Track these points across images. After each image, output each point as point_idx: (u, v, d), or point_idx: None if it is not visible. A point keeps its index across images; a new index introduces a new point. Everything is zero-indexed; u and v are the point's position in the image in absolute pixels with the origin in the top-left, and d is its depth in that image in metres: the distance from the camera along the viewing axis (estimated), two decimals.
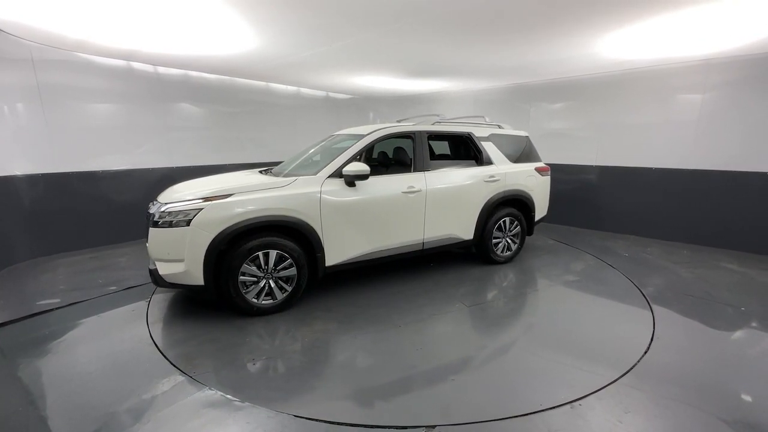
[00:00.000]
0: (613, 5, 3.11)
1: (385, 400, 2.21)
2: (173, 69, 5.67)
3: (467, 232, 4.21)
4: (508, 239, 4.52)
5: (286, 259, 3.18)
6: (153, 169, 5.65)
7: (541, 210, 4.80)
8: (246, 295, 3.10)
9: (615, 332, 2.98)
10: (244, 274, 3.06)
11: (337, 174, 3.39)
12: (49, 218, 4.73)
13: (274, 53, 4.69)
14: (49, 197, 4.69)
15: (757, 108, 4.74)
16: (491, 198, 4.25)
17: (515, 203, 4.53)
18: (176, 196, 3.15)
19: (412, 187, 3.73)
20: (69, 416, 2.05)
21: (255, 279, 3.12)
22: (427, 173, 3.91)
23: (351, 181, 3.38)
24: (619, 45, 4.26)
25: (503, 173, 4.35)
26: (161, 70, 5.57)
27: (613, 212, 6.06)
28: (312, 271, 3.36)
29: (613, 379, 2.35)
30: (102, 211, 5.18)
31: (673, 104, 5.35)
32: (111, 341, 2.81)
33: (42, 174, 4.62)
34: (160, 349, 2.69)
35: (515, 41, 4.14)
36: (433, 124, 4.26)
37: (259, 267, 3.11)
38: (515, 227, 4.53)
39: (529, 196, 4.57)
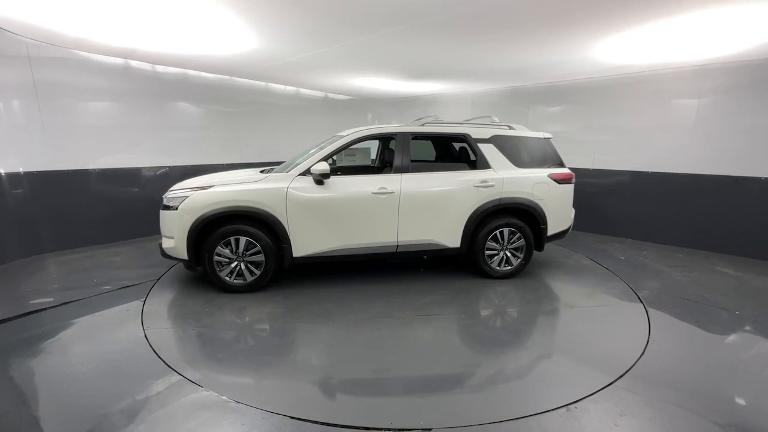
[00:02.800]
0: (610, 11, 3.13)
1: (249, 382, 2.36)
2: (172, 68, 5.65)
3: (452, 240, 3.91)
4: (507, 252, 4.08)
5: (255, 246, 3.57)
6: (150, 168, 5.62)
7: (557, 223, 4.19)
8: (220, 273, 3.59)
9: (610, 335, 2.99)
10: (219, 255, 3.55)
11: (308, 172, 3.62)
12: (43, 217, 4.69)
13: (273, 54, 4.69)
14: (43, 195, 4.66)
15: (752, 113, 4.78)
16: (482, 205, 3.90)
17: (518, 213, 4.08)
18: (178, 186, 3.84)
19: (384, 188, 3.70)
20: (61, 417, 2.03)
21: (228, 260, 3.58)
22: (404, 175, 3.80)
23: (318, 179, 3.59)
24: (616, 50, 4.29)
25: (500, 179, 3.93)
26: (159, 68, 5.55)
27: (610, 215, 6.09)
28: (280, 259, 3.66)
29: (608, 382, 2.36)
30: (97, 210, 5.14)
31: (670, 109, 5.39)
32: (105, 341, 2.78)
33: (37, 172, 4.59)
34: (155, 349, 2.67)
35: (513, 45, 4.16)
36: (423, 125, 4.07)
37: (232, 250, 3.56)
38: (518, 240, 4.06)
39: (537, 206, 4.02)
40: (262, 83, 6.88)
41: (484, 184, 3.91)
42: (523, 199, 4.01)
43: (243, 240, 3.54)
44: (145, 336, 2.84)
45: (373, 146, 5.58)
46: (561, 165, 4.29)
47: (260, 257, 3.60)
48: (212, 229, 3.52)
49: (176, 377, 2.36)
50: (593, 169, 6.18)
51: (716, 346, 2.88)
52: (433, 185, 3.85)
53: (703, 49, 4.27)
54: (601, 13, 3.21)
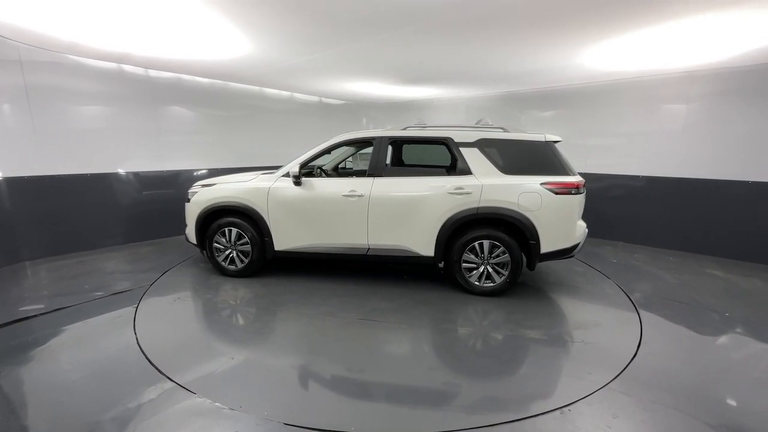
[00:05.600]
0: (599, 17, 3.19)
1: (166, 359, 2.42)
2: (165, 72, 5.64)
3: (425, 248, 3.73)
4: (489, 267, 3.69)
5: (244, 237, 4.05)
6: (142, 173, 5.58)
7: (555, 240, 3.60)
8: (217, 258, 4.19)
9: (603, 337, 3.01)
10: (217, 242, 4.15)
11: (288, 174, 3.94)
12: (34, 222, 4.63)
13: (266, 59, 4.70)
14: (34, 200, 4.60)
15: (738, 119, 4.89)
16: (457, 213, 3.61)
17: (501, 224, 3.66)
18: (198, 183, 4.45)
19: (354, 191, 3.78)
20: (52, 425, 2.00)
21: (224, 248, 4.15)
22: (376, 179, 3.80)
23: (295, 180, 3.87)
24: (605, 56, 4.37)
25: (478, 186, 3.59)
26: (153, 73, 5.53)
27: (602, 219, 6.15)
28: (264, 251, 4.07)
29: (601, 385, 2.38)
30: (89, 215, 5.09)
31: (659, 114, 5.49)
32: (96, 348, 2.75)
33: (27, 177, 4.53)
34: (147, 356, 2.64)
35: (504, 49, 4.21)
36: (404, 128, 3.97)
37: (227, 240, 4.12)
38: (502, 254, 3.63)
39: (525, 218, 3.53)
40: (256, 88, 6.88)
41: (459, 191, 3.61)
42: (506, 209, 3.56)
43: (234, 231, 4.08)
44: (138, 342, 2.81)
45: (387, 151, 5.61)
46: (564, 173, 3.64)
47: (248, 247, 4.07)
48: (214, 219, 4.14)
49: (169, 384, 2.33)
50: (585, 173, 6.23)
51: (707, 347, 2.92)
52: (403, 190, 3.75)
53: (691, 56, 4.36)
54: (590, 20, 3.27)
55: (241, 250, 4.11)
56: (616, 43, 3.88)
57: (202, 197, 4.14)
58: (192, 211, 4.19)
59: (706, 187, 5.18)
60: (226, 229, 4.08)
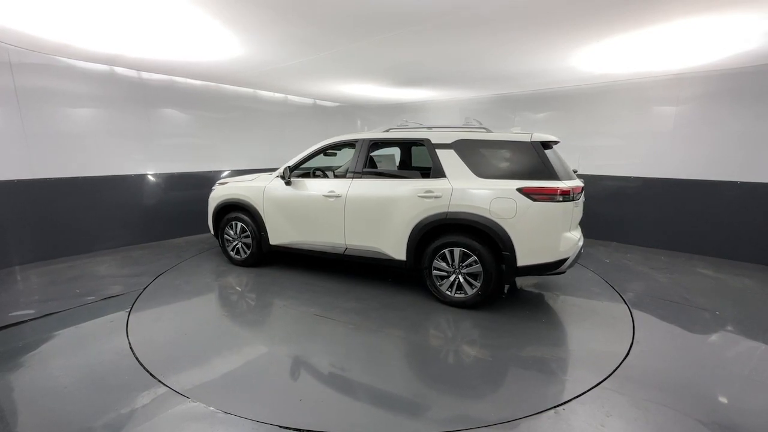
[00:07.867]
0: (592, 20, 3.23)
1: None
2: (157, 74, 5.60)
3: (397, 252, 3.65)
4: (460, 277, 3.45)
5: (247, 231, 4.50)
6: (134, 176, 5.53)
7: (535, 252, 3.21)
8: (227, 248, 4.74)
9: (595, 336, 3.04)
10: (227, 234, 4.69)
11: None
12: (24, 226, 4.57)
13: (259, 61, 4.69)
14: (24, 204, 4.54)
15: (726, 120, 4.97)
16: (426, 218, 3.45)
17: (473, 232, 3.40)
18: (219, 180, 5.03)
19: (333, 192, 3.92)
20: None
21: (232, 239, 4.66)
22: (354, 180, 3.86)
23: (287, 180, 4.17)
24: (595, 59, 4.42)
25: (448, 189, 3.39)
26: (145, 75, 5.49)
27: (595, 219, 6.20)
28: (261, 245, 4.47)
29: (595, 384, 2.40)
30: (80, 219, 5.03)
31: (650, 116, 5.56)
32: (88, 353, 2.71)
33: (17, 180, 4.48)
34: (140, 360, 2.62)
35: (496, 51, 4.24)
36: (387, 130, 3.97)
37: (234, 232, 4.62)
38: (475, 264, 3.36)
39: (496, 225, 3.21)
40: (249, 90, 6.86)
41: (429, 195, 3.45)
42: (475, 215, 3.29)
43: (239, 225, 4.55)
44: (130, 347, 2.79)
45: (397, 153, 5.63)
46: (551, 177, 3.22)
47: (250, 240, 4.50)
48: (225, 214, 4.69)
49: (162, 389, 2.31)
50: (578, 174, 6.29)
51: (699, 345, 2.95)
52: (377, 192, 3.73)
53: (680, 59, 4.43)
54: (582, 22, 3.31)
55: (245, 243, 4.58)
56: (607, 46, 3.93)
57: (216, 194, 4.74)
58: (210, 206, 4.82)
59: (696, 188, 5.25)
60: (233, 223, 4.59)
